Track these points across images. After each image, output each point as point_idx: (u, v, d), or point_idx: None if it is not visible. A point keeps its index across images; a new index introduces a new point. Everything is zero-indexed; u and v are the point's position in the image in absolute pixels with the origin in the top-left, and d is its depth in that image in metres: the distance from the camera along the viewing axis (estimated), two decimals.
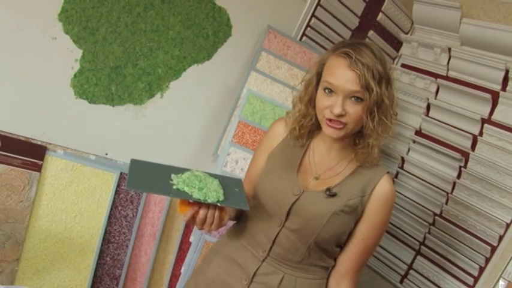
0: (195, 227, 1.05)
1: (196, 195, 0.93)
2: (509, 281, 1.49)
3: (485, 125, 1.62)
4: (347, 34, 1.87)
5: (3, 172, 1.31)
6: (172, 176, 0.97)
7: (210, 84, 1.62)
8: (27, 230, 1.39)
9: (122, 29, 1.38)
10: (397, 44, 2.03)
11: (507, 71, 1.58)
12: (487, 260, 1.58)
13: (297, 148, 1.14)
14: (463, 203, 1.64)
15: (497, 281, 1.52)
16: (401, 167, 1.90)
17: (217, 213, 0.96)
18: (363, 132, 1.05)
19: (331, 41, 1.83)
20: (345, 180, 1.07)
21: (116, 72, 1.42)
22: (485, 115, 1.64)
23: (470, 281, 1.62)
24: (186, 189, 0.94)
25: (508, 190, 1.52)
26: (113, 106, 1.46)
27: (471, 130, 1.67)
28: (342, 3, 1.78)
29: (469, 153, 1.66)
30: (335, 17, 1.80)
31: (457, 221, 1.67)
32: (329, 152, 1.11)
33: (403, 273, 1.84)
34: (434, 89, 1.82)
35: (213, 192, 0.95)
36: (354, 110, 0.99)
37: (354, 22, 1.87)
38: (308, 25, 1.75)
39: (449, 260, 1.69)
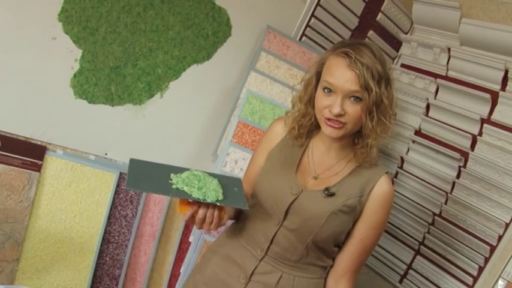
0: (194, 226, 1.05)
1: (196, 194, 0.93)
2: (508, 281, 1.49)
3: (485, 125, 1.62)
4: (347, 34, 1.87)
5: (3, 172, 1.31)
6: (172, 175, 0.97)
7: (210, 84, 1.62)
8: (26, 230, 1.39)
9: (122, 29, 1.38)
10: (396, 44, 2.03)
11: (506, 71, 1.58)
12: (486, 260, 1.58)
13: (296, 148, 1.14)
14: (462, 202, 1.64)
15: (497, 281, 1.52)
16: (401, 167, 1.90)
17: (216, 212, 0.97)
18: (362, 132, 1.05)
19: (330, 41, 1.83)
20: (343, 180, 1.07)
21: (115, 72, 1.42)
22: (485, 115, 1.64)
23: (470, 280, 1.62)
24: (186, 188, 0.94)
25: (508, 190, 1.52)
26: (113, 106, 1.46)
27: (470, 130, 1.67)
28: (341, 3, 1.78)
29: (468, 153, 1.66)
30: (335, 17, 1.80)
31: (456, 221, 1.67)
32: (328, 151, 1.11)
33: (402, 273, 1.84)
34: (433, 89, 1.82)
35: (212, 192, 0.95)
36: (353, 109, 0.99)
37: (354, 22, 1.87)
38: (308, 25, 1.75)
39: (448, 260, 1.69)
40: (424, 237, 1.78)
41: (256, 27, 1.64)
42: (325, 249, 1.08)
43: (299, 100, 1.12)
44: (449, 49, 1.77)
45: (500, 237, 1.55)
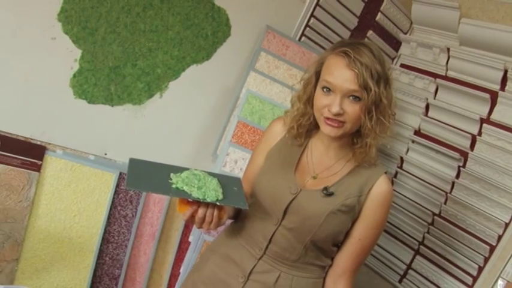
0: (194, 226, 1.05)
1: (196, 194, 0.93)
2: (508, 281, 1.49)
3: (484, 125, 1.62)
4: (346, 34, 1.87)
5: (2, 172, 1.31)
6: (172, 175, 0.97)
7: (209, 85, 1.62)
8: (26, 230, 1.39)
9: (121, 29, 1.38)
10: (396, 44, 2.03)
11: (506, 71, 1.58)
12: (486, 260, 1.58)
13: (295, 147, 1.14)
14: (462, 202, 1.64)
15: (496, 281, 1.52)
16: (401, 167, 1.90)
17: (216, 212, 0.97)
18: (361, 131, 1.05)
19: (330, 41, 1.83)
20: (342, 179, 1.07)
21: (115, 72, 1.42)
22: (484, 115, 1.64)
23: (469, 280, 1.62)
24: (185, 188, 0.94)
25: (507, 190, 1.52)
26: (112, 106, 1.46)
27: (470, 130, 1.67)
28: (341, 3, 1.79)
29: (468, 153, 1.66)
30: (334, 17, 1.80)
31: (456, 221, 1.67)
32: (327, 151, 1.11)
33: (402, 272, 1.84)
34: (433, 89, 1.82)
35: (212, 191, 0.95)
36: (352, 109, 0.99)
37: (353, 22, 1.87)
38: (307, 25, 1.75)
39: (448, 260, 1.69)
40: (423, 237, 1.78)
41: (256, 27, 1.64)
42: (323, 249, 1.08)
43: (298, 99, 1.12)
44: (448, 49, 1.77)
45: (499, 237, 1.55)
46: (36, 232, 1.41)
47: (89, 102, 1.41)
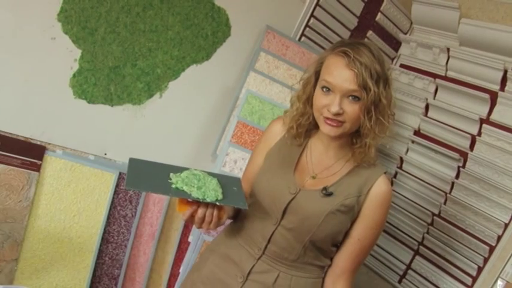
0: (193, 226, 1.05)
1: (195, 194, 0.93)
2: (507, 281, 1.49)
3: (484, 125, 1.62)
4: (346, 34, 1.87)
5: (2, 172, 1.31)
6: (171, 175, 0.97)
7: (209, 85, 1.62)
8: (26, 230, 1.39)
9: (121, 29, 1.38)
10: (395, 44, 2.03)
11: (505, 71, 1.58)
12: (486, 260, 1.58)
13: (294, 147, 1.14)
14: (461, 203, 1.64)
15: (496, 281, 1.52)
16: (400, 167, 1.90)
17: (215, 212, 0.97)
18: (360, 131, 1.05)
19: (330, 41, 1.83)
20: (341, 179, 1.07)
21: (114, 72, 1.42)
22: (484, 115, 1.64)
23: (469, 281, 1.62)
24: (185, 188, 0.94)
25: (507, 190, 1.52)
26: (112, 106, 1.46)
27: (470, 130, 1.67)
28: (340, 3, 1.79)
29: (467, 154, 1.66)
30: (334, 17, 1.80)
31: (455, 221, 1.67)
32: (326, 151, 1.11)
33: (401, 273, 1.84)
34: (433, 89, 1.82)
35: (212, 191, 0.95)
36: (351, 109, 0.99)
37: (353, 22, 1.87)
38: (307, 25, 1.75)
39: (447, 260, 1.69)
40: (423, 238, 1.78)
41: (256, 27, 1.65)
42: (322, 249, 1.08)
43: (297, 99, 1.12)
44: (448, 49, 1.77)
45: (499, 238, 1.55)
46: (35, 232, 1.41)
47: (88, 102, 1.42)
